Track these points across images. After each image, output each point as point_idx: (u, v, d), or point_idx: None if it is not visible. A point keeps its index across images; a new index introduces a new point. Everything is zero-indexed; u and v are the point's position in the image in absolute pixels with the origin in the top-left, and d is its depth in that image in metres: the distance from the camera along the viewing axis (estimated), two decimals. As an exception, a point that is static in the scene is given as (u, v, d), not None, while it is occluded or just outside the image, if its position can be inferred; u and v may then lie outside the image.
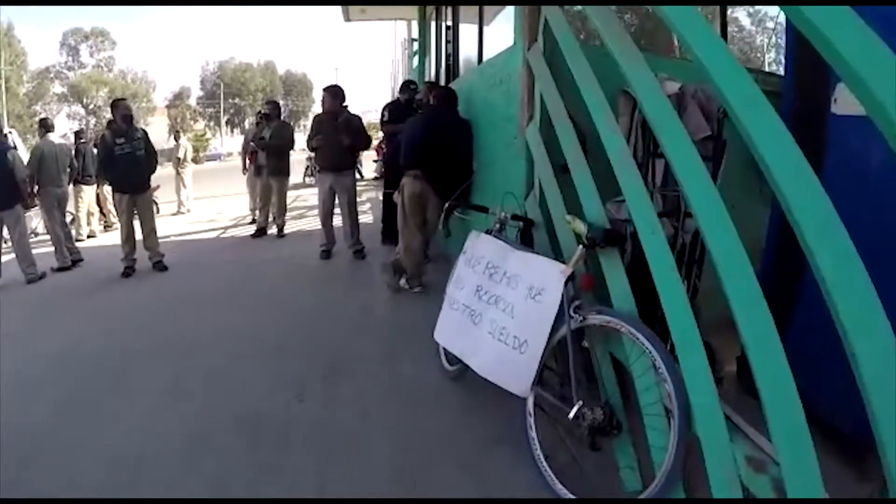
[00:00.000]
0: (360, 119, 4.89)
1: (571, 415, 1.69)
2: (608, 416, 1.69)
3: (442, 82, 5.78)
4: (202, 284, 4.51)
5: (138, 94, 40.06)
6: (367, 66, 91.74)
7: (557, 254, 2.19)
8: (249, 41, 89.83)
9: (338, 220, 5.08)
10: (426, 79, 7.14)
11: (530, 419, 1.92)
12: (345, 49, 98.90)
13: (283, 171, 6.15)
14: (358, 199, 5.18)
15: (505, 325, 1.97)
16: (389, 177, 4.85)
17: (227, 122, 49.43)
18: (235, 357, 2.93)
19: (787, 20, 1.86)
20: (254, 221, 6.83)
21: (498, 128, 3.25)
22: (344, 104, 4.78)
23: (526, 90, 2.66)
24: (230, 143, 42.65)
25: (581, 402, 1.70)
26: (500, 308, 2.03)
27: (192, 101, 48.39)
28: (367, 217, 7.41)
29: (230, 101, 49.03)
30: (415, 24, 8.71)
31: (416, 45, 9.64)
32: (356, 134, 4.73)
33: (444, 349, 2.52)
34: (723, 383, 1.72)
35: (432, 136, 3.57)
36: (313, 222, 6.84)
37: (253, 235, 6.31)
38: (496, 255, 2.18)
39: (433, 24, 6.71)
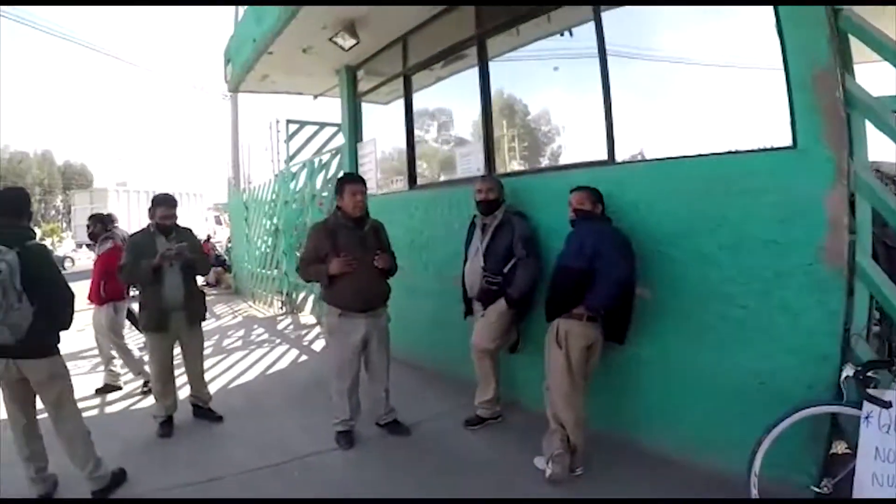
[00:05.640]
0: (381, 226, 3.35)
1: None
2: None
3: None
4: None
5: None
6: (179, 153, 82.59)
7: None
8: (22, 127, 79.13)
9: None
10: (377, 177, 5.26)
11: None
12: (128, 134, 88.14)
13: (197, 313, 3.57)
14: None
15: None
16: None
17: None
18: None
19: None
20: (147, 392, 4.14)
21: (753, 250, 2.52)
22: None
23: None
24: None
25: None
26: None
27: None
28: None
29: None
30: (333, 103, 6.46)
31: (329, 131, 7.49)
32: (386, 248, 3.24)
33: None
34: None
35: (625, 259, 2.65)
36: (237, 367, 5.05)
37: (163, 433, 3.41)
38: None
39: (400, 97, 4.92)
